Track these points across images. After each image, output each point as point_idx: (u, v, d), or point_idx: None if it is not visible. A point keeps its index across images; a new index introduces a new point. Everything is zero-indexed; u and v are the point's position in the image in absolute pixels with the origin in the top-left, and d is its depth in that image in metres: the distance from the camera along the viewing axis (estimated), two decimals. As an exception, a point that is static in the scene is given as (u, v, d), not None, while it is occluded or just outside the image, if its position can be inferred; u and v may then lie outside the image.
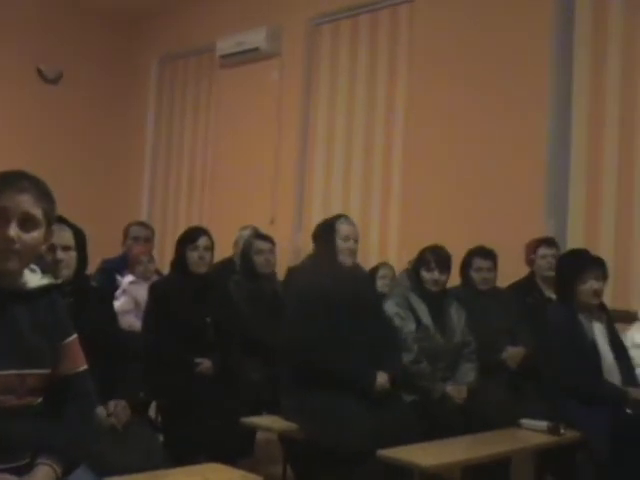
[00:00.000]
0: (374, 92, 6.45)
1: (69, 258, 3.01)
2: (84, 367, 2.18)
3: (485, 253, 4.59)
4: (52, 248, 2.92)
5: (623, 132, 5.07)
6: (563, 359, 3.87)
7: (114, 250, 5.66)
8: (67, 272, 3.00)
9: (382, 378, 3.61)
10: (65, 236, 3.01)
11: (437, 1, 6.00)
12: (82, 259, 3.08)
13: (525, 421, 3.79)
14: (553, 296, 4.47)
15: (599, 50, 5.21)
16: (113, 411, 2.92)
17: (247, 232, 5.73)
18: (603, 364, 3.91)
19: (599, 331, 4.00)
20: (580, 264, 4.02)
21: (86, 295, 3.09)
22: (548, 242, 4.83)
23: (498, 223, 5.31)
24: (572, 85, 5.32)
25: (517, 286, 4.81)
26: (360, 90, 6.56)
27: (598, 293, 3.99)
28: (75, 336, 2.17)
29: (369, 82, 6.50)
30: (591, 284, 3.96)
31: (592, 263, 4.03)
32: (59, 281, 2.29)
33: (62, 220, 2.97)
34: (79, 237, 3.07)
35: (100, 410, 2.84)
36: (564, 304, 4.08)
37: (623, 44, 5.10)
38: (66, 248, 3.00)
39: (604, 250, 4.69)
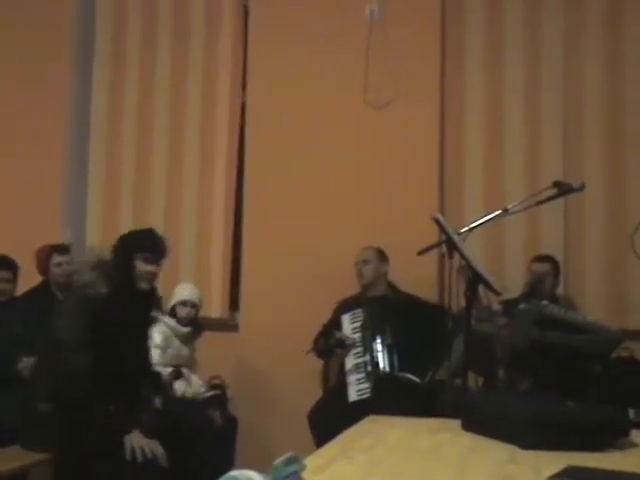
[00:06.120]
0: None
1: None
2: None
3: None
4: None
5: (171, 139, 5.41)
6: None
7: None
8: None
9: None
10: None
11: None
12: None
13: None
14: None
15: (118, 69, 5.51)
16: None
17: None
18: None
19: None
20: None
21: None
22: (60, 249, 4.82)
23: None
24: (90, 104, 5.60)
25: (32, 294, 4.75)
26: None
27: None
28: None
29: None
30: None
31: None
32: None
33: None
34: None
35: None
36: None
37: (140, 63, 5.45)
38: None
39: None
